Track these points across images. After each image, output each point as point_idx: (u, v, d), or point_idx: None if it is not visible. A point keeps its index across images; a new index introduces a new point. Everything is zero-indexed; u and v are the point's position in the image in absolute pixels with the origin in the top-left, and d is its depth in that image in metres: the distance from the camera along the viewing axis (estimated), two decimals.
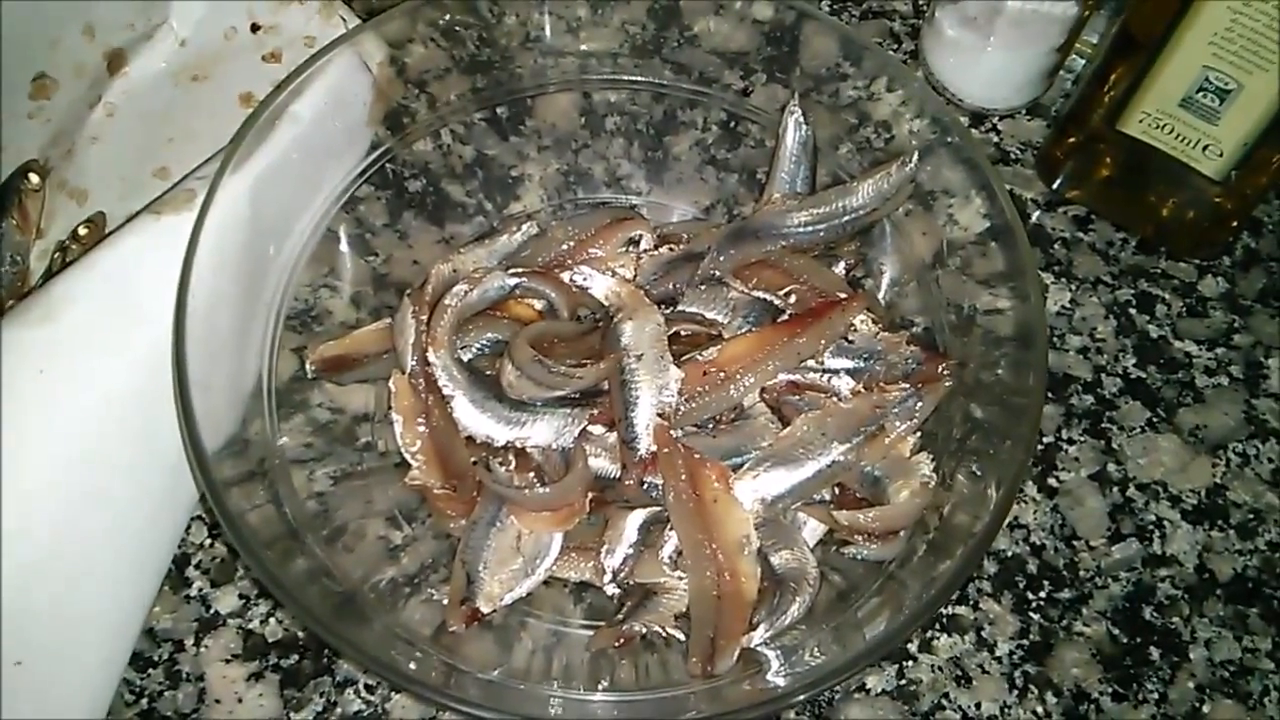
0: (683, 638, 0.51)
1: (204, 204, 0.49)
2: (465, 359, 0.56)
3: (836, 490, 0.53)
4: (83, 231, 0.59)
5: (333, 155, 0.58)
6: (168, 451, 0.50)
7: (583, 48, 0.64)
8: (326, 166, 0.57)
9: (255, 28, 0.64)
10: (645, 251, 0.59)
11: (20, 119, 0.64)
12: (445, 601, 0.51)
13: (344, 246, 0.59)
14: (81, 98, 0.64)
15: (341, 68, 0.57)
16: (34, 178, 0.61)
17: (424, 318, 0.55)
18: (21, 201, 0.61)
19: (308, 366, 0.54)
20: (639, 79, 0.64)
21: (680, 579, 0.52)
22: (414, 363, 0.55)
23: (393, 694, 0.53)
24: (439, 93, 0.61)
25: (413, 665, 0.45)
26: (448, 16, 0.60)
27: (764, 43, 0.62)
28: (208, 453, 0.45)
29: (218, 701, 0.53)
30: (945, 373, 0.53)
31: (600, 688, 0.49)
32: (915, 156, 0.56)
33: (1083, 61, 0.72)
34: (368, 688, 0.53)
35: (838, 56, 0.60)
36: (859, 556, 0.51)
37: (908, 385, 0.53)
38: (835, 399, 0.53)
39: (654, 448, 0.52)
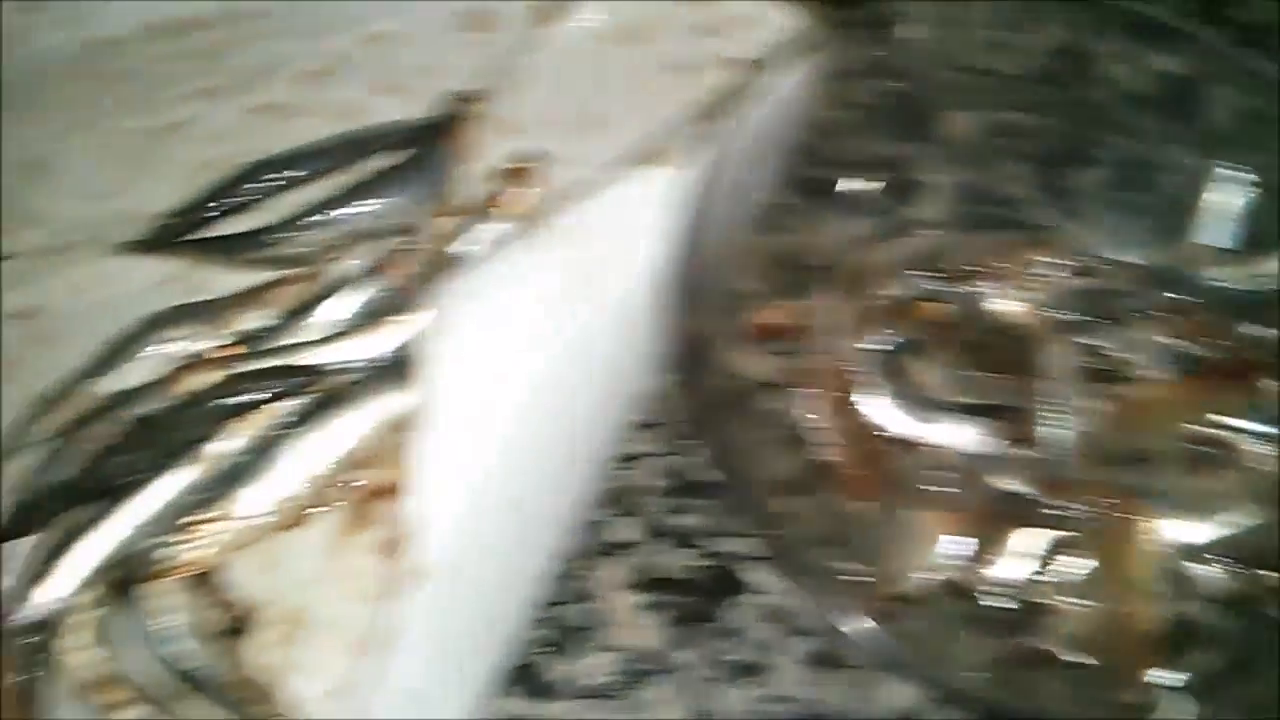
0: (1071, 660, 0.52)
1: (701, 163, 0.51)
2: (877, 350, 0.57)
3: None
4: (516, 166, 0.62)
5: (773, 139, 0.60)
6: (625, 382, 0.52)
7: (995, 68, 0.65)
8: (768, 150, 0.59)
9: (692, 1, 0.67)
10: (1056, 278, 0.60)
11: (458, 49, 0.67)
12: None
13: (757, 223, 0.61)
14: (519, 39, 0.66)
15: (796, 57, 0.59)
16: (468, 106, 0.64)
17: (843, 305, 0.57)
18: (456, 128, 0.64)
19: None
20: (1047, 106, 0.65)
21: (1072, 605, 0.53)
22: (831, 346, 0.56)
23: (776, 654, 0.55)
24: (851, 91, 0.63)
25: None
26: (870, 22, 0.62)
27: (1179, 95, 0.62)
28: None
29: (608, 624, 0.55)
30: None
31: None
32: None
33: None
34: (755, 644, 0.55)
35: (1254, 121, 0.60)
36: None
37: None
38: (1262, 462, 0.54)
39: (1069, 473, 0.53)
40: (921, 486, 0.54)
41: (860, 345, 0.56)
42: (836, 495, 0.56)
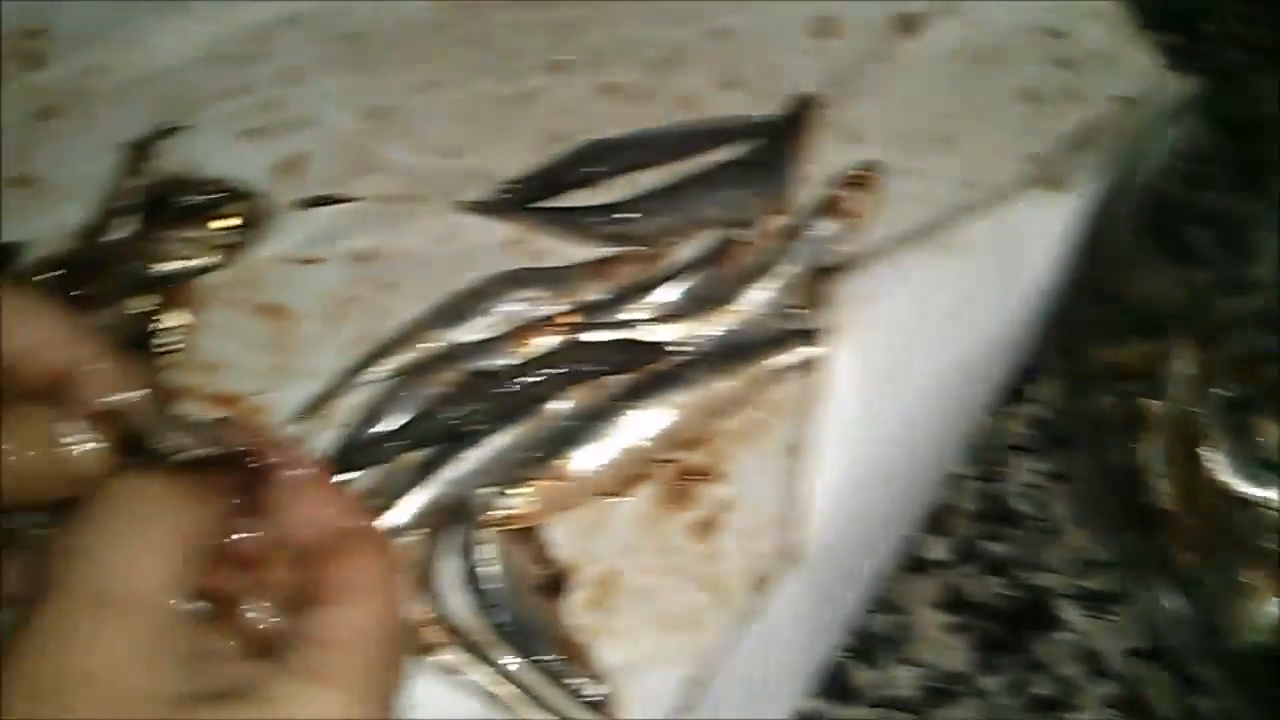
0: None
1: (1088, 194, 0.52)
2: (1222, 403, 0.57)
3: None
4: (857, 173, 0.63)
5: (1131, 181, 0.60)
6: (982, 402, 0.53)
7: None
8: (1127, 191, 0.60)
9: (1051, 31, 0.66)
10: None
11: (803, 52, 0.68)
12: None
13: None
14: (868, 48, 0.67)
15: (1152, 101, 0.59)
16: (812, 108, 0.65)
17: (1191, 353, 0.57)
18: (799, 129, 0.65)
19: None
20: None
21: None
22: (1176, 393, 0.56)
23: (1081, 693, 0.55)
24: (1199, 141, 0.63)
25: None
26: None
27: None
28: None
29: (914, 639, 0.56)
30: None
31: None
32: None
33: None
34: (1061, 680, 0.55)
35: None
36: None
37: None
38: None
39: None
40: (1254, 546, 0.53)
41: (1206, 396, 0.55)
42: (1169, 542, 0.55)
